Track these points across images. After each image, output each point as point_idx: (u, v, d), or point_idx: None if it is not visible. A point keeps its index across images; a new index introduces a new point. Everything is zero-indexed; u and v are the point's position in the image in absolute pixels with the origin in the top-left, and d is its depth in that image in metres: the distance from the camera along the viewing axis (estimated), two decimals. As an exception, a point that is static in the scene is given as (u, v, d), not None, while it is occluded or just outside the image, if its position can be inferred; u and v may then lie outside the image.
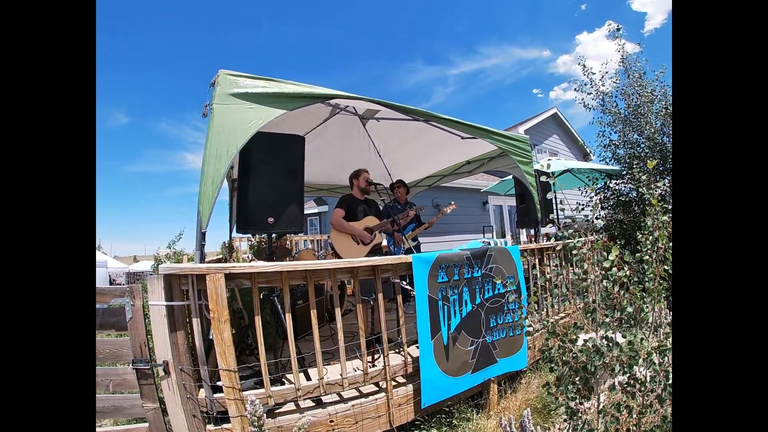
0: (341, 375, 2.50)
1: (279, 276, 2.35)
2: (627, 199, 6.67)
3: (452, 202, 5.03)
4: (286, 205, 2.75)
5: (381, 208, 4.48)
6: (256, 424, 1.74)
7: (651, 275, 1.90)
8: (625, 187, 6.92)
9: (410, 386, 2.74)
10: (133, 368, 2.21)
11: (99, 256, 19.31)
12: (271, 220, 2.68)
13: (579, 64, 7.10)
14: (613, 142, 6.95)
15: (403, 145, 5.31)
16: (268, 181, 2.72)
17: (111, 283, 19.41)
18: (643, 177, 2.70)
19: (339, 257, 3.80)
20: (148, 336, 2.28)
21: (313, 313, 2.45)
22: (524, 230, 10.90)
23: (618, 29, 6.83)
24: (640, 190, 5.23)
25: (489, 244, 7.41)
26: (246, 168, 2.70)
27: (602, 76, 7.00)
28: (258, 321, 2.31)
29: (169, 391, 2.17)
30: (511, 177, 5.66)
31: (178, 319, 2.24)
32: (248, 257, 6.58)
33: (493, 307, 3.07)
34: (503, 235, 12.57)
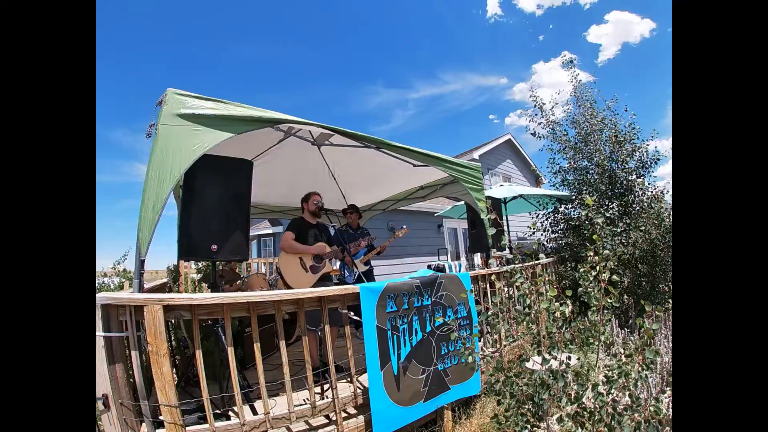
0: (288, 409, 2.40)
1: (221, 308, 2.25)
2: (576, 222, 6.90)
3: (404, 226, 5.06)
4: (231, 232, 2.66)
5: (332, 233, 4.43)
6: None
7: (595, 308, 1.94)
8: (574, 211, 7.15)
9: (361, 417, 2.66)
10: (72, 400, 2.07)
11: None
12: (214, 247, 2.57)
13: (530, 97, 7.35)
14: (563, 169, 7.20)
15: (357, 169, 5.31)
16: (212, 207, 2.62)
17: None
18: (583, 213, 2.79)
19: (286, 284, 3.70)
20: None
21: (257, 347, 2.35)
22: (478, 253, 11.13)
23: (572, 60, 7.13)
24: (589, 214, 5.45)
25: (443, 265, 7.44)
26: (190, 192, 2.60)
27: (552, 106, 7.27)
28: (199, 355, 2.20)
29: (110, 426, 2.05)
30: (464, 202, 5.76)
31: (117, 351, 2.11)
32: (196, 280, 6.34)
33: (443, 334, 3.05)
34: (458, 257, 12.75)
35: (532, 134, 7.42)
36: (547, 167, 7.49)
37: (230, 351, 2.29)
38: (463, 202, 6.31)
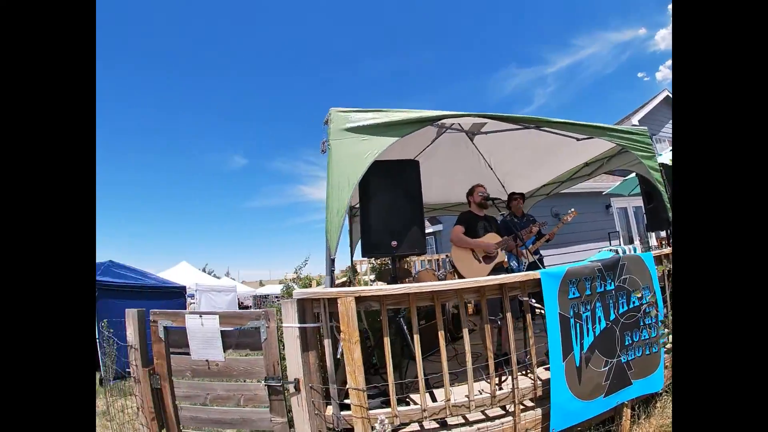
0: (467, 397, 2.46)
1: (407, 297, 2.40)
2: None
3: (572, 210, 4.69)
4: (408, 228, 2.85)
5: (498, 222, 4.37)
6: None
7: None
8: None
9: (539, 410, 2.61)
10: (266, 385, 2.40)
11: (229, 282, 22.10)
12: (394, 243, 2.78)
13: None
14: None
15: (514, 155, 5.18)
16: (388, 207, 2.84)
17: (240, 306, 21.57)
18: None
19: (460, 275, 3.77)
20: (280, 356, 2.46)
21: (441, 334, 2.47)
22: (654, 234, 9.87)
23: None
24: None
25: (618, 250, 6.85)
26: (366, 196, 2.85)
27: None
28: (387, 342, 2.39)
29: (298, 407, 2.30)
30: (634, 175, 5.21)
31: (310, 340, 2.39)
32: (370, 279, 6.83)
33: (628, 322, 2.82)
34: (631, 241, 11.32)
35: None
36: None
37: (416, 338, 2.44)
38: (633, 175, 5.71)
